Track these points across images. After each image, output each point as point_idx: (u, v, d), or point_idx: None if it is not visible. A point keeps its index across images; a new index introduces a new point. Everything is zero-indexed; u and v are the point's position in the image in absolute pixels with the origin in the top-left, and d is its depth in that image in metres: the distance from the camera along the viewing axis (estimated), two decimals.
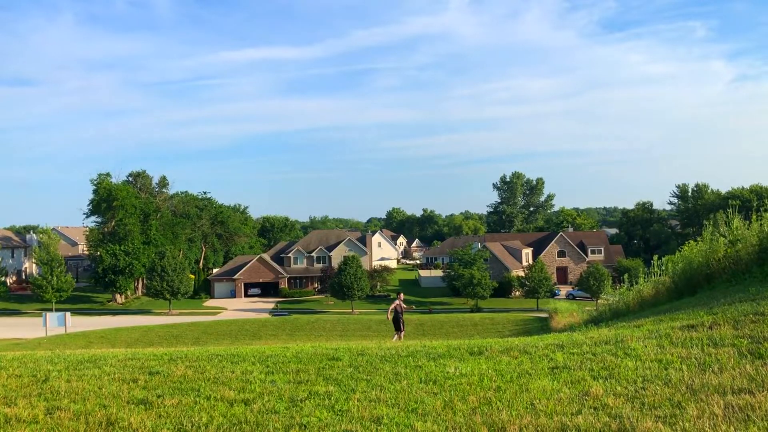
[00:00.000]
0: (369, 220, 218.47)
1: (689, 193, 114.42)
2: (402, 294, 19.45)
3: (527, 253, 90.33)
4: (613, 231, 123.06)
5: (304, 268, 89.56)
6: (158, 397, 4.80)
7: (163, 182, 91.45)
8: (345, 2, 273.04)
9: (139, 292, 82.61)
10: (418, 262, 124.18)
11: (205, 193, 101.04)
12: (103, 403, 4.71)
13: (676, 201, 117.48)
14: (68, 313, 44.50)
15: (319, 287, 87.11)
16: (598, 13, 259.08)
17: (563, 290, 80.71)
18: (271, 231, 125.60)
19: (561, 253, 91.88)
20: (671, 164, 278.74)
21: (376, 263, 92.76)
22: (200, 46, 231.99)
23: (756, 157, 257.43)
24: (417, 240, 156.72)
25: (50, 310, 58.12)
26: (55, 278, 67.65)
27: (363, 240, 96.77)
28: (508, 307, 67.13)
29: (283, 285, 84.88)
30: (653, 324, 6.95)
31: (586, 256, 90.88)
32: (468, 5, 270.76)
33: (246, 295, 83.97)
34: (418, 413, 4.03)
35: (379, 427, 3.79)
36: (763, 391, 3.81)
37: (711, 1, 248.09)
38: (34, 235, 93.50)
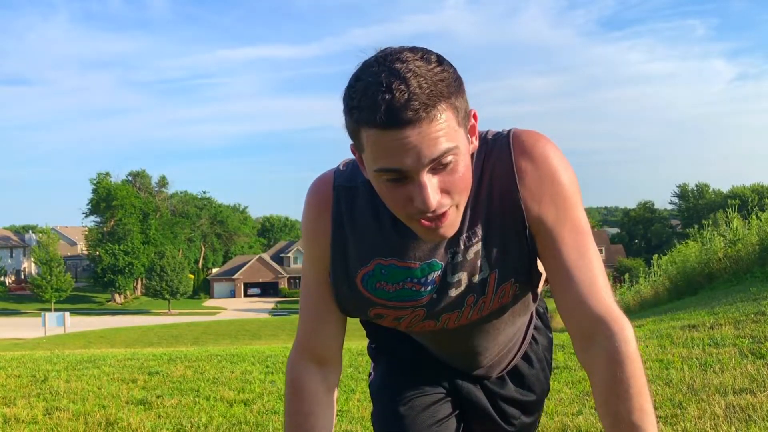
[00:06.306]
0: None
1: (690, 193, 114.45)
2: None
3: None
4: (615, 231, 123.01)
5: None
6: (158, 397, 4.80)
7: (163, 182, 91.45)
8: (342, 1, 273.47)
9: (138, 292, 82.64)
10: None
11: (204, 192, 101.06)
12: (102, 403, 4.71)
13: (677, 200, 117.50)
14: (67, 313, 44.43)
15: None
16: (597, 12, 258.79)
17: None
18: (271, 231, 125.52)
19: None
20: (672, 163, 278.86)
21: None
22: (197, 44, 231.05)
23: (757, 155, 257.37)
24: None
25: (49, 310, 58.10)
26: (54, 278, 67.67)
27: None
28: None
29: (283, 285, 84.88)
30: (654, 324, 6.94)
31: None
32: (466, 3, 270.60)
33: (245, 295, 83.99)
34: None
35: None
36: (764, 391, 3.80)
37: None
38: (33, 234, 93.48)
